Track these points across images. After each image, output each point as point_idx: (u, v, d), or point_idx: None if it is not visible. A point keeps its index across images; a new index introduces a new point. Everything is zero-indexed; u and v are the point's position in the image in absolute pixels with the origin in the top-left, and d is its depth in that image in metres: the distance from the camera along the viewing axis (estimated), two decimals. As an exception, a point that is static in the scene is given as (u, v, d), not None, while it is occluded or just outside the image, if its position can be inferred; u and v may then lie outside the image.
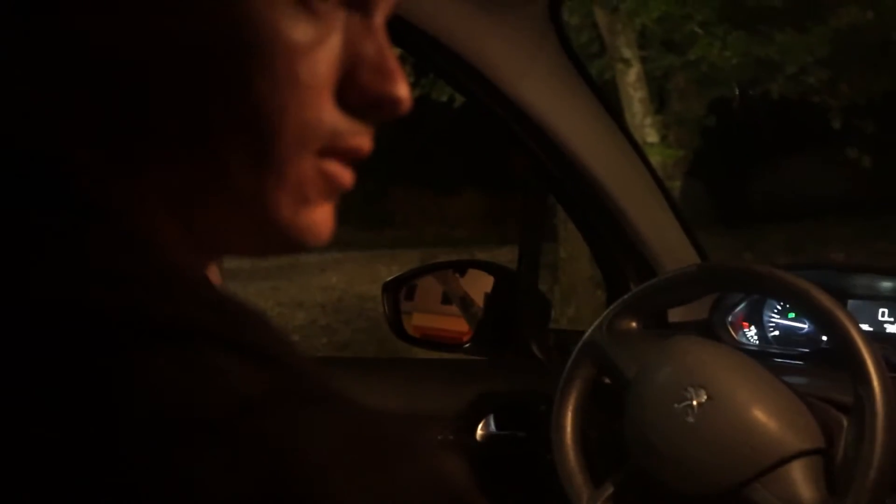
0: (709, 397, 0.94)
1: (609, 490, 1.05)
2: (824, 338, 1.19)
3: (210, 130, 0.35)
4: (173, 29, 0.34)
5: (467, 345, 1.32)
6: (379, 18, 0.38)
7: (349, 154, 0.38)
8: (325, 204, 0.39)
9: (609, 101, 1.24)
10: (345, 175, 0.39)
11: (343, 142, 0.38)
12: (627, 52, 5.37)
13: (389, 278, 1.38)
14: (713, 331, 1.24)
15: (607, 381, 1.11)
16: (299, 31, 0.35)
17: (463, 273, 1.34)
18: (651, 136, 5.37)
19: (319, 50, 0.36)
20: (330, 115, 0.37)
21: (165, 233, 0.36)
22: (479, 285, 1.34)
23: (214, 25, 0.34)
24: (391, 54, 0.38)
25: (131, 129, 0.35)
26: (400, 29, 0.99)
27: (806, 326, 1.25)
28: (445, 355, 1.39)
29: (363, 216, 9.62)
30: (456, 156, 9.58)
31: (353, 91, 0.37)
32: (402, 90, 0.38)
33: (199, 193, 0.36)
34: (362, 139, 0.38)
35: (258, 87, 0.35)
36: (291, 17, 0.35)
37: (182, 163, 0.35)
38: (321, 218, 0.38)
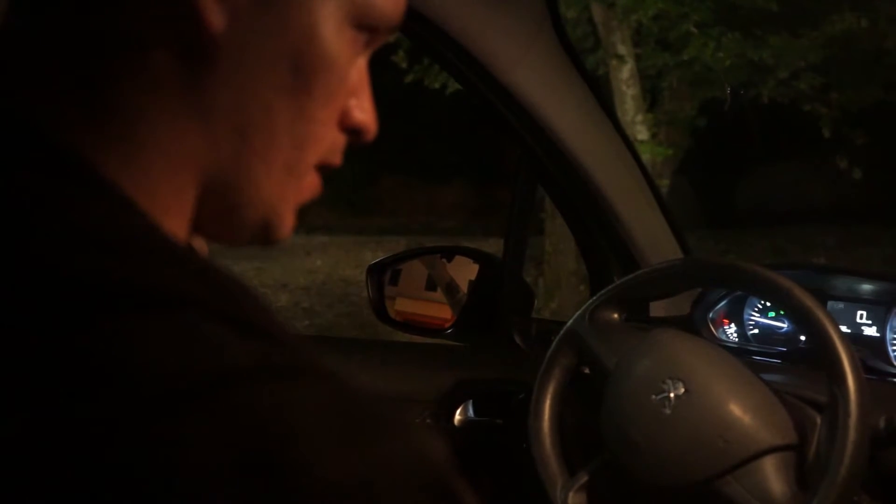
0: (686, 390, 0.95)
1: (584, 479, 1.06)
2: (802, 338, 1.20)
3: (254, 133, 0.37)
4: (263, 26, 0.35)
5: (449, 330, 1.33)
6: (370, 53, 0.41)
7: (328, 169, 0.41)
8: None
9: (602, 96, 1.25)
10: (319, 185, 0.42)
11: (332, 158, 0.41)
12: (622, 49, 5.37)
13: (374, 261, 1.38)
14: (694, 326, 1.26)
15: (587, 370, 1.12)
16: (351, 63, 0.39)
17: (450, 259, 1.35)
18: (642, 134, 5.38)
19: (352, 73, 0.39)
20: (334, 135, 0.40)
21: (162, 202, 0.36)
22: (464, 272, 1.34)
23: (282, 31, 0.36)
24: (369, 86, 0.42)
25: (150, 103, 0.35)
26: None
27: (785, 326, 1.26)
28: (427, 340, 1.39)
29: (351, 202, 9.59)
30: (446, 145, 9.56)
31: (343, 115, 0.40)
32: (375, 122, 0.42)
33: (214, 187, 0.37)
34: (340, 156, 0.42)
35: (312, 100, 0.37)
36: (350, 52, 0.38)
37: (207, 156, 0.36)
38: (293, 221, 0.41)
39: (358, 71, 0.40)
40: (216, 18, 0.34)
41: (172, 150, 0.36)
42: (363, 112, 0.41)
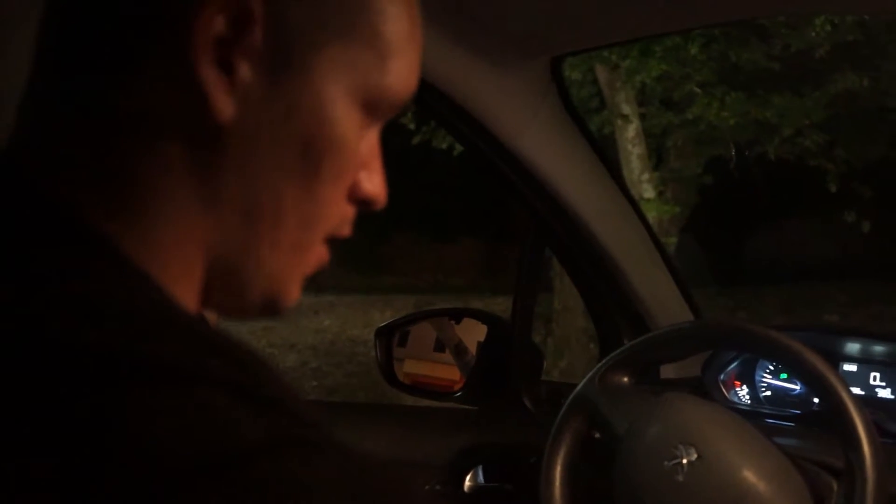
0: (699, 456, 0.94)
1: (596, 547, 1.03)
2: (816, 400, 1.19)
3: (260, 216, 0.37)
4: (273, 104, 0.36)
5: (458, 393, 1.31)
6: (380, 126, 0.42)
7: (336, 239, 0.42)
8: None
9: (607, 156, 1.26)
10: (326, 256, 0.42)
11: (341, 230, 0.42)
12: (627, 109, 5.44)
13: (383, 324, 1.38)
14: (705, 389, 1.24)
15: (597, 435, 1.11)
16: (359, 142, 0.39)
17: (458, 321, 1.34)
18: (648, 192, 5.41)
19: (362, 147, 0.40)
20: (343, 209, 0.41)
21: (174, 274, 0.37)
22: (472, 334, 1.34)
23: (291, 117, 0.36)
24: (380, 157, 0.42)
25: (162, 174, 0.36)
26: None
27: (798, 388, 1.25)
28: (436, 403, 1.38)
29: (359, 261, 9.61)
30: (454, 204, 9.62)
31: (354, 188, 0.41)
32: (385, 192, 0.42)
33: (220, 265, 0.38)
34: (349, 227, 0.42)
35: (320, 181, 0.38)
36: (358, 132, 0.39)
37: (214, 236, 0.37)
38: (298, 293, 0.42)
39: (368, 144, 0.41)
40: (226, 107, 0.35)
41: (181, 228, 0.36)
42: (373, 184, 0.41)
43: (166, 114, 0.35)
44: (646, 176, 5.47)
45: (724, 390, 1.26)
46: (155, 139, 0.35)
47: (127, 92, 0.35)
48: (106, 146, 0.35)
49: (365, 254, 9.66)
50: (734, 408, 1.17)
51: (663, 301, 1.33)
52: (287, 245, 0.38)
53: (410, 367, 1.36)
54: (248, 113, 0.36)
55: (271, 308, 0.40)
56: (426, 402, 1.39)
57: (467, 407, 1.36)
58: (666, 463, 0.94)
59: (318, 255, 0.41)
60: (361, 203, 0.42)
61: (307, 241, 0.39)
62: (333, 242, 0.42)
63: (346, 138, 0.38)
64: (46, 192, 0.35)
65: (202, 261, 0.37)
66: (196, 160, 0.36)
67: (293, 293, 0.41)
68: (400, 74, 0.39)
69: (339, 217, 0.41)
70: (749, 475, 0.91)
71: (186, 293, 0.38)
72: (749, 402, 1.28)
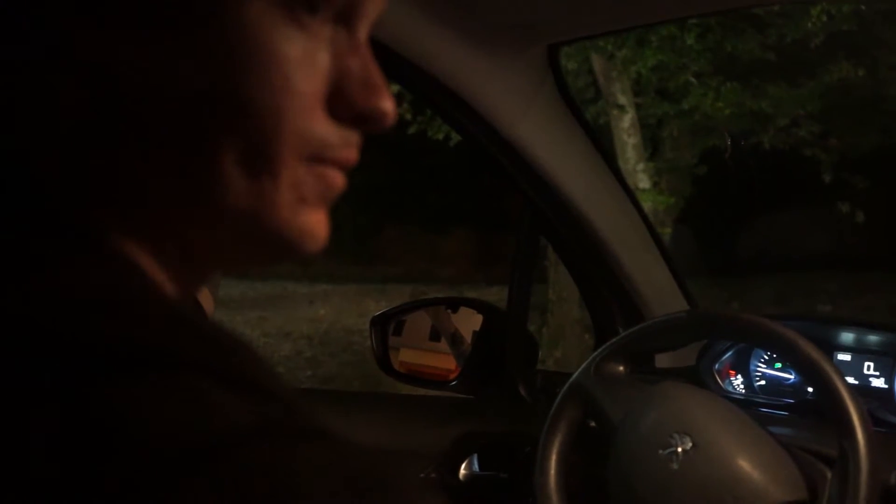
0: (694, 445, 0.94)
1: (591, 535, 1.04)
2: (810, 389, 1.19)
3: (206, 142, 0.35)
4: (170, 47, 0.34)
5: (453, 382, 1.32)
6: (362, 33, 0.39)
7: (338, 165, 0.39)
8: (320, 208, 0.39)
9: (603, 146, 1.26)
10: (338, 179, 0.39)
11: (333, 153, 0.38)
12: (622, 99, 5.44)
13: (378, 312, 1.37)
14: (700, 378, 1.25)
15: (593, 424, 1.11)
16: (292, 45, 0.36)
17: (454, 310, 1.34)
18: (643, 182, 5.42)
19: (310, 63, 0.36)
20: (321, 127, 0.37)
21: (158, 255, 0.36)
22: (468, 323, 1.34)
23: (212, 43, 0.34)
24: (376, 69, 0.39)
25: (121, 149, 0.35)
26: (401, 67, 1.00)
27: (792, 377, 1.25)
28: (431, 392, 1.38)
29: (354, 251, 9.61)
30: (448, 195, 9.62)
31: (342, 104, 0.38)
32: (388, 104, 0.38)
33: (195, 207, 0.36)
34: (350, 150, 0.39)
35: (253, 98, 0.35)
36: (284, 33, 0.35)
37: (176, 178, 0.35)
38: (317, 221, 0.38)
39: (338, 55, 0.38)
40: (91, 50, 0.33)
41: (157, 204, 0.35)
42: (365, 96, 0.38)
43: (69, 91, 0.34)
44: (641, 166, 5.48)
45: (718, 379, 1.27)
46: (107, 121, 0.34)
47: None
48: (73, 133, 0.35)
49: (359, 244, 9.66)
50: (729, 397, 1.18)
51: (658, 290, 1.33)
52: (274, 167, 0.36)
53: (406, 356, 1.36)
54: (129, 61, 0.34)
55: (289, 246, 0.38)
56: (421, 391, 1.39)
57: (463, 396, 1.36)
58: (661, 451, 0.95)
59: (319, 176, 0.38)
60: (360, 121, 0.39)
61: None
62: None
63: (263, 41, 0.35)
64: (24, 180, 0.34)
65: (206, 213, 0.36)
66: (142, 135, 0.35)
67: (302, 223, 0.38)
68: None
69: (321, 136, 0.37)
70: (743, 464, 0.92)
71: (173, 271, 0.37)
72: (743, 391, 1.28)
